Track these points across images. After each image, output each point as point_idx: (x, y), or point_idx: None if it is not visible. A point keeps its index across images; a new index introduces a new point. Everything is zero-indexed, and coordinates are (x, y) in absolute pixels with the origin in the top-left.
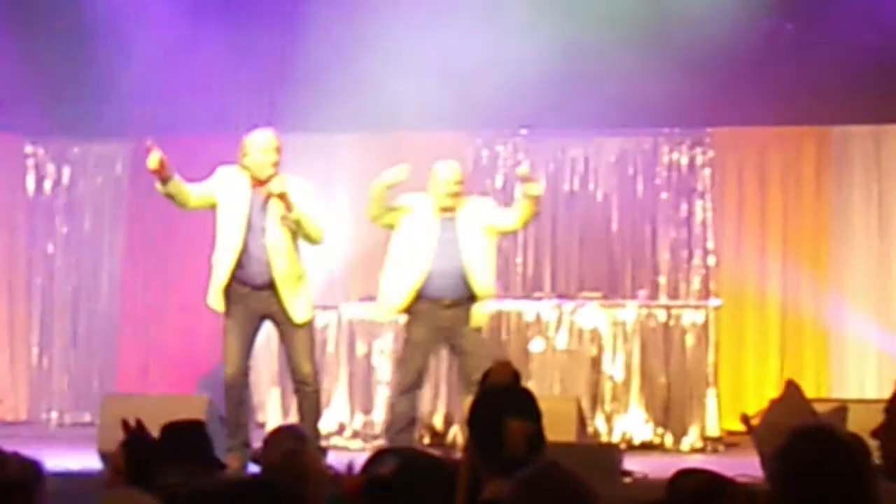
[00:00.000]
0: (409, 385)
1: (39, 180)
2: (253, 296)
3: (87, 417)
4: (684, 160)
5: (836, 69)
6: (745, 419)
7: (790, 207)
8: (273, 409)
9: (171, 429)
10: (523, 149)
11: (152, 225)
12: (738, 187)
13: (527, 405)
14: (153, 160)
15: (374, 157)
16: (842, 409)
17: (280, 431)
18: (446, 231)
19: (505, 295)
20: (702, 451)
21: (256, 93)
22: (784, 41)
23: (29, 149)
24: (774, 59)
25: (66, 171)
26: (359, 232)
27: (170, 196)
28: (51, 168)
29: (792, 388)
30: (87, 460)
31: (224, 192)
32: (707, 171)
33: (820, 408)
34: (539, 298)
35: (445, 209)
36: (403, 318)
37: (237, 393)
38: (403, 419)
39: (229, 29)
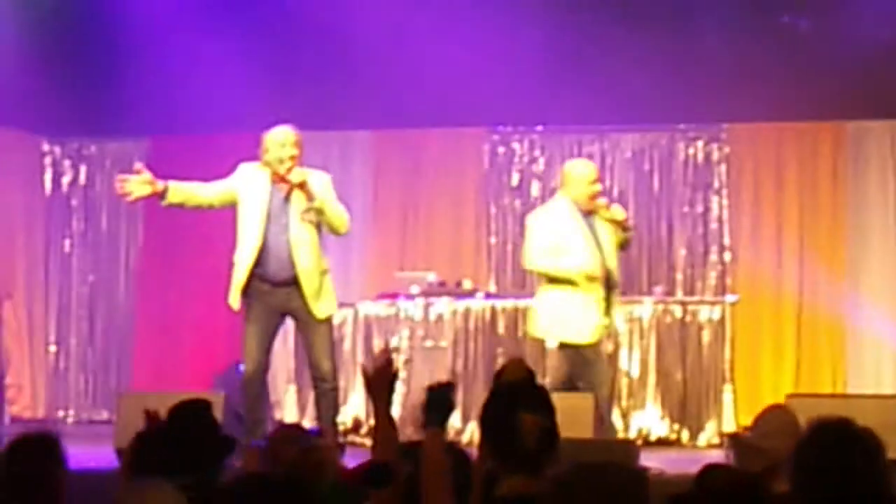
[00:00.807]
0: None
1: (56, 178)
2: (274, 293)
3: (103, 415)
4: (700, 156)
5: (852, 64)
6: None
7: (806, 203)
8: (290, 407)
9: (178, 410)
10: (539, 145)
11: (169, 222)
12: (754, 183)
13: (539, 401)
14: (137, 192)
15: (391, 154)
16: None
17: (286, 429)
18: (590, 229)
19: (521, 291)
20: (718, 446)
21: (272, 91)
22: (800, 37)
23: (46, 147)
24: (790, 55)
25: (83, 169)
26: (375, 229)
27: (178, 206)
28: (68, 166)
29: (778, 411)
30: (104, 458)
31: (244, 188)
32: (723, 167)
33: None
34: None
35: (589, 211)
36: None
37: (255, 389)
38: None
39: (245, 27)
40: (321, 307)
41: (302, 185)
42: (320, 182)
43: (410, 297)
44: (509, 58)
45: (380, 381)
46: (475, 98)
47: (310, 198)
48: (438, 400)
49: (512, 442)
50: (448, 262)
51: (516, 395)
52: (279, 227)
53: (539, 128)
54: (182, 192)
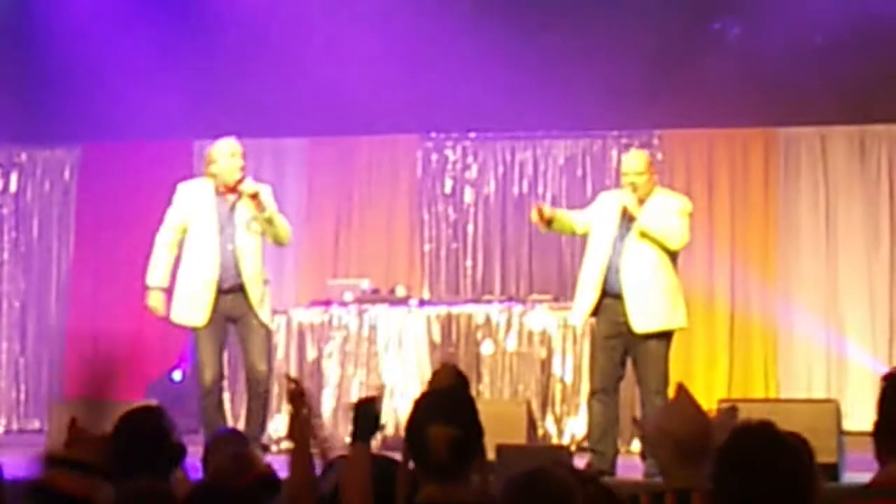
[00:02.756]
0: (597, 388)
1: None
2: (221, 300)
3: (35, 424)
4: None
5: (783, 71)
6: (636, 422)
7: (738, 208)
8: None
9: (126, 419)
10: (472, 152)
11: (101, 230)
12: (686, 189)
13: (458, 411)
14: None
15: (324, 161)
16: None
17: (222, 436)
18: (625, 224)
19: (454, 298)
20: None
21: (203, 99)
22: (731, 43)
23: None
24: (721, 62)
25: (14, 178)
26: (308, 237)
27: None
28: None
29: (681, 393)
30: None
31: (192, 210)
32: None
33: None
34: (489, 301)
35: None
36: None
37: (216, 397)
38: (600, 423)
39: (177, 34)
40: (265, 313)
41: (255, 196)
42: (265, 193)
43: (344, 304)
44: (442, 64)
45: (293, 395)
46: (408, 105)
47: (260, 208)
48: (365, 415)
49: (426, 452)
50: (381, 270)
51: (433, 405)
52: (225, 237)
53: (472, 134)
54: (170, 266)
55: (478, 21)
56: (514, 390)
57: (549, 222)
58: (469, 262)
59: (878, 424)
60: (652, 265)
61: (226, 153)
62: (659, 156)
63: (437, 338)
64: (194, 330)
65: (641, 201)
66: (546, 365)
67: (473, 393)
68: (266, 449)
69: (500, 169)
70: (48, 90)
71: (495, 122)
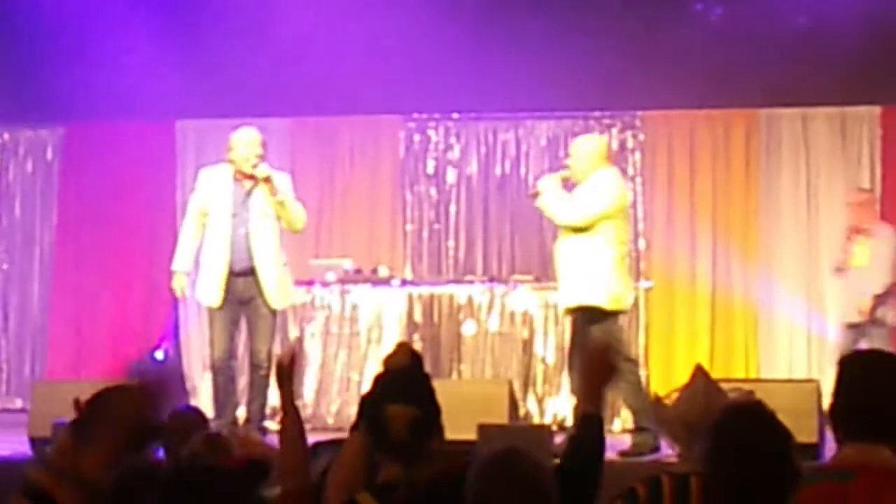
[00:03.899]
0: (570, 364)
1: None
2: (234, 282)
3: (17, 403)
4: (615, 143)
5: (765, 51)
6: (657, 402)
7: (720, 189)
8: (206, 394)
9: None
10: (455, 133)
11: (84, 210)
12: (667, 170)
13: (414, 390)
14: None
15: (307, 142)
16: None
17: (180, 415)
18: None
19: (437, 278)
20: (632, 432)
21: (187, 79)
22: (713, 24)
23: None
24: (703, 42)
25: None
26: None
27: None
28: None
29: (698, 375)
30: (18, 446)
31: (210, 194)
32: (637, 155)
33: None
34: (471, 282)
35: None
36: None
37: (225, 374)
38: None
39: (160, 15)
40: (275, 299)
41: (267, 180)
42: (282, 179)
43: (326, 284)
44: (424, 46)
45: (282, 372)
46: (391, 85)
47: (273, 192)
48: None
49: (384, 431)
50: (364, 250)
51: (389, 384)
52: (239, 220)
53: (455, 115)
54: (193, 250)
55: (461, 2)
56: (496, 370)
57: None
58: (451, 243)
59: (833, 407)
60: (570, 242)
61: (243, 141)
62: (641, 137)
63: (419, 318)
64: (209, 310)
65: (576, 184)
66: (528, 345)
67: (455, 373)
68: (265, 432)
69: (483, 150)
70: (31, 71)
71: (478, 103)
